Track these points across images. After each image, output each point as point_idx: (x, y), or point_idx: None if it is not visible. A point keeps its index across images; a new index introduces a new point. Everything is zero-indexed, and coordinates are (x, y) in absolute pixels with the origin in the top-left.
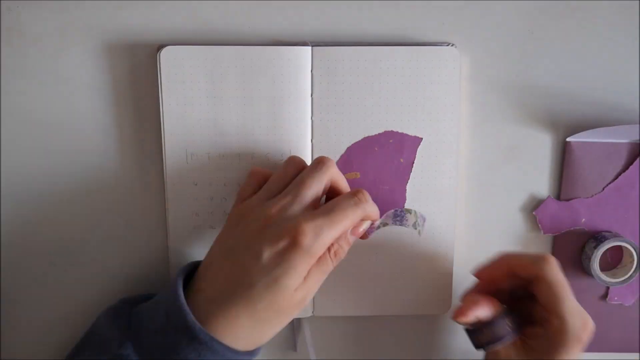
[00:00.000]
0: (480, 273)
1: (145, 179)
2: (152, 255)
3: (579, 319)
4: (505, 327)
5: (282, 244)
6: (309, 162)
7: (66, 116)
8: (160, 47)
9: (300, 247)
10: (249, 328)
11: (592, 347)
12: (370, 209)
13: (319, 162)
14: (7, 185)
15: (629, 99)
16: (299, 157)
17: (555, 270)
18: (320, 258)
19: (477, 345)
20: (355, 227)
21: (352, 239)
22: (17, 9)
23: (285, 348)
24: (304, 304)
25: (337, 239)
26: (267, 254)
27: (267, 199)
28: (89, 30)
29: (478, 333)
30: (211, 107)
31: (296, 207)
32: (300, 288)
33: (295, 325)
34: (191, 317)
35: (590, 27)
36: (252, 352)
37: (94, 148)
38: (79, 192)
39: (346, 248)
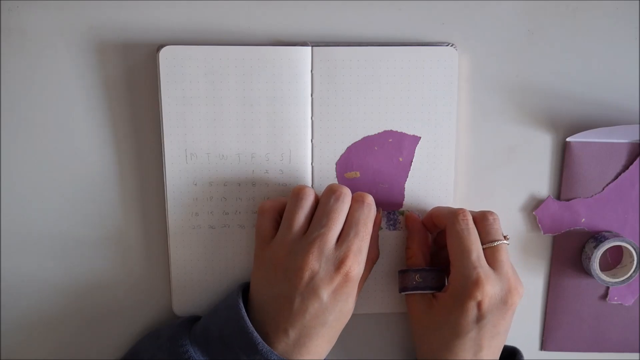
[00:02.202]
0: (412, 223)
1: (145, 179)
2: (152, 255)
3: (473, 273)
4: (414, 279)
5: (336, 281)
6: (309, 163)
7: (65, 116)
8: (159, 47)
9: (352, 278)
10: (327, 348)
11: (592, 347)
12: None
13: (341, 194)
14: (6, 184)
15: (629, 99)
16: (309, 188)
17: (461, 224)
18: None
19: (400, 289)
20: (376, 224)
21: (375, 232)
22: (17, 8)
23: None
24: None
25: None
26: (326, 295)
27: (293, 238)
28: (88, 30)
29: (400, 277)
30: (211, 107)
31: (330, 244)
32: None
33: None
34: None
35: (590, 27)
36: None
37: (93, 148)
38: (79, 192)
39: (376, 247)
